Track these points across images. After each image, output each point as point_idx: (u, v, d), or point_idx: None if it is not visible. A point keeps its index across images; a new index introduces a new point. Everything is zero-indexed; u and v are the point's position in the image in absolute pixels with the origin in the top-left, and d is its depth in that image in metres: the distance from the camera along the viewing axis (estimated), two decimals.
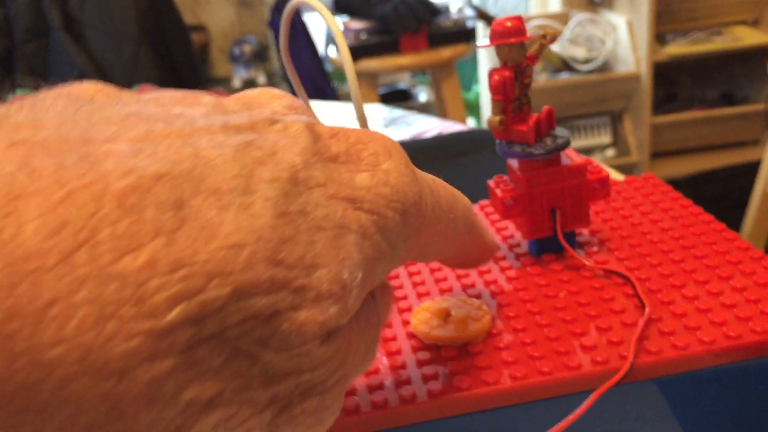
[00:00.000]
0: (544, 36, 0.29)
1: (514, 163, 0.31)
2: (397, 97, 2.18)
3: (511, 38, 0.28)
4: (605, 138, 1.97)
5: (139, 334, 0.13)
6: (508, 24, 0.28)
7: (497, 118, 0.29)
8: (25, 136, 0.14)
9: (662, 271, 0.29)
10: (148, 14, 0.77)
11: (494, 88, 0.29)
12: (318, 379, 0.16)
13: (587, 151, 1.95)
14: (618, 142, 1.98)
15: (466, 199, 0.24)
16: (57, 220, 0.13)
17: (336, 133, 0.18)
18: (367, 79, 1.77)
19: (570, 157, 0.31)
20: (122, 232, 0.13)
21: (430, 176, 0.21)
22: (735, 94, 1.96)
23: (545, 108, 0.30)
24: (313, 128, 0.18)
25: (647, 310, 0.26)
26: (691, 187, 1.79)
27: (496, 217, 0.36)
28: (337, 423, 0.19)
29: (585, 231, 0.33)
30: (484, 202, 0.38)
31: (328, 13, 0.23)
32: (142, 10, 0.76)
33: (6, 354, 0.12)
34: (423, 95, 2.22)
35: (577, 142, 1.95)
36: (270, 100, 0.19)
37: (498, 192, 0.31)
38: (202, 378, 0.14)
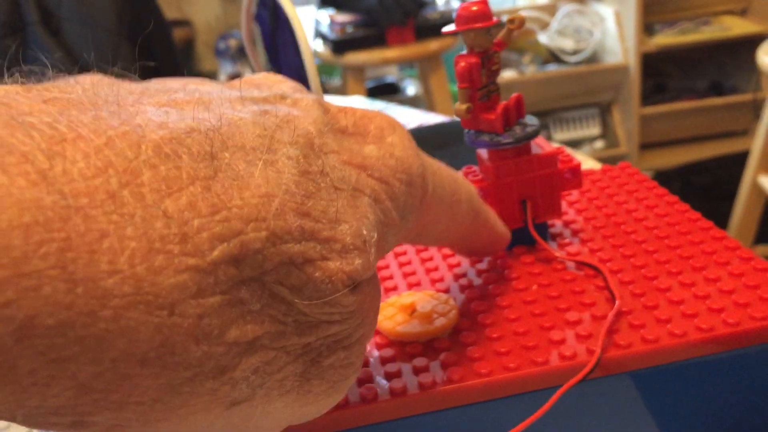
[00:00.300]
0: (511, 21, 0.28)
1: (483, 152, 0.30)
2: (385, 91, 2.16)
3: (477, 23, 0.27)
4: (594, 130, 1.96)
5: (186, 269, 0.13)
6: (474, 8, 0.27)
7: (464, 106, 0.28)
8: (56, 95, 0.15)
9: (635, 262, 0.28)
10: (127, 8, 0.76)
11: (460, 75, 0.28)
12: (344, 333, 0.17)
13: (576, 143, 1.94)
14: (607, 133, 1.98)
15: (470, 185, 0.24)
16: (101, 162, 0.13)
17: (343, 108, 0.20)
18: (354, 72, 1.75)
19: (540, 146, 0.30)
20: (162, 176, 0.14)
21: (433, 159, 0.22)
22: (724, 84, 1.96)
23: (514, 95, 0.29)
24: (321, 103, 0.19)
25: (617, 302, 0.25)
26: (680, 177, 1.78)
27: None
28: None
29: (558, 222, 0.32)
30: None
31: None
32: (120, 4, 0.74)
33: (66, 280, 0.12)
34: (411, 89, 2.20)
35: (566, 135, 1.94)
36: (275, 82, 0.20)
37: None
38: (244, 319, 0.15)
